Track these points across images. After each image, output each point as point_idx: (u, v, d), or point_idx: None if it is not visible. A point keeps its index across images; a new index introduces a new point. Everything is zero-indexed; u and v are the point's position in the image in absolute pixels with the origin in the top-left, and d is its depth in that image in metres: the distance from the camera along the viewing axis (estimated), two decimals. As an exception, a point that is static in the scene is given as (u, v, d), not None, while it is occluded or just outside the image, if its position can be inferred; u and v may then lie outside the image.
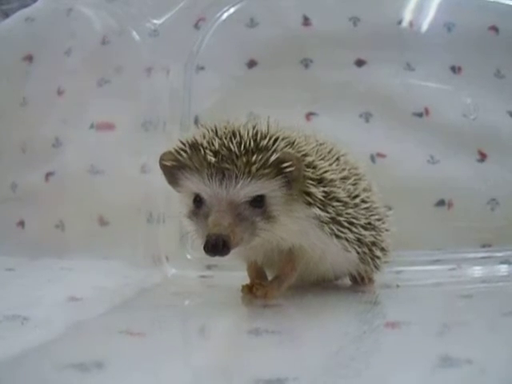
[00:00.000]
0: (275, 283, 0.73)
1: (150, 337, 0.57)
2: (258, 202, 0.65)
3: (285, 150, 0.65)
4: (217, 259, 0.96)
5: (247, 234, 0.64)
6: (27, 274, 0.87)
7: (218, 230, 0.61)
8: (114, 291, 0.78)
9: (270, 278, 0.77)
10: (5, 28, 1.13)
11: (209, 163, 0.64)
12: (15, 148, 1.08)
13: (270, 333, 0.56)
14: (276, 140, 0.65)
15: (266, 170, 0.64)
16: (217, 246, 0.60)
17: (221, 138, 0.65)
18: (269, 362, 0.49)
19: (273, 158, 0.64)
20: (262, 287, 0.72)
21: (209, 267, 1.00)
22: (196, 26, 1.08)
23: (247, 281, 0.77)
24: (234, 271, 0.84)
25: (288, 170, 0.64)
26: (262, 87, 1.05)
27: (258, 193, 0.64)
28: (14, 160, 1.08)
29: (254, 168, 0.64)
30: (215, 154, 0.64)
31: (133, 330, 0.56)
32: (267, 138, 0.65)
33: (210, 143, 0.65)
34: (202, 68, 1.08)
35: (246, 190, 0.64)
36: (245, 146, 0.64)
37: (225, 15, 1.08)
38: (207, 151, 0.64)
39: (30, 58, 1.10)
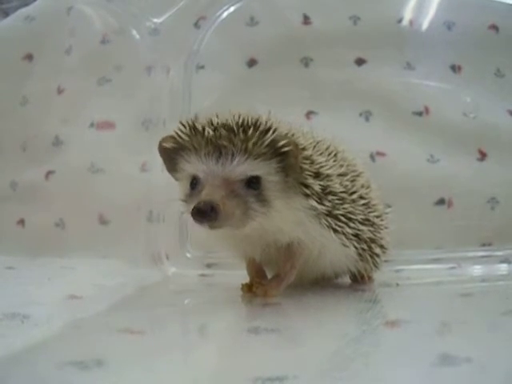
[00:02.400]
0: (275, 282, 0.73)
1: (150, 335, 0.57)
2: (254, 183, 0.65)
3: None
4: (216, 257, 0.98)
5: (239, 211, 0.63)
6: (27, 272, 0.87)
7: (208, 198, 0.61)
8: (113, 290, 0.79)
9: (269, 276, 0.77)
10: (5, 27, 1.14)
11: (207, 141, 0.64)
12: (15, 146, 1.08)
13: (269, 331, 0.56)
14: (276, 128, 0.66)
15: (263, 150, 0.65)
16: (205, 211, 0.60)
17: (222, 120, 0.66)
18: (268, 360, 0.48)
19: (270, 137, 0.64)
20: (262, 286, 0.73)
21: (209, 266, 1.00)
22: (196, 25, 1.08)
23: (247, 279, 0.77)
24: (233, 270, 0.84)
25: (284, 149, 0.65)
26: (262, 86, 1.05)
27: (254, 173, 0.65)
28: (15, 158, 1.08)
29: (250, 144, 0.64)
30: (214, 130, 0.65)
31: (133, 328, 0.56)
32: (266, 123, 0.66)
33: (210, 122, 0.66)
34: (202, 67, 1.08)
35: (241, 167, 0.64)
36: (243, 125, 0.65)
37: (225, 14, 1.08)
38: (206, 128, 0.65)
39: (30, 57, 1.10)
